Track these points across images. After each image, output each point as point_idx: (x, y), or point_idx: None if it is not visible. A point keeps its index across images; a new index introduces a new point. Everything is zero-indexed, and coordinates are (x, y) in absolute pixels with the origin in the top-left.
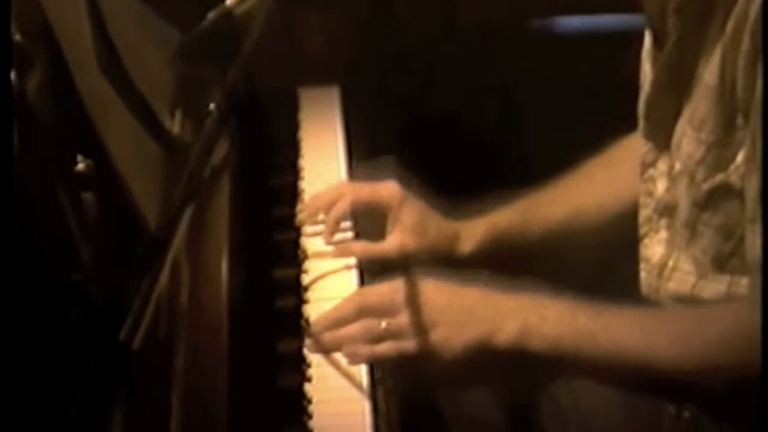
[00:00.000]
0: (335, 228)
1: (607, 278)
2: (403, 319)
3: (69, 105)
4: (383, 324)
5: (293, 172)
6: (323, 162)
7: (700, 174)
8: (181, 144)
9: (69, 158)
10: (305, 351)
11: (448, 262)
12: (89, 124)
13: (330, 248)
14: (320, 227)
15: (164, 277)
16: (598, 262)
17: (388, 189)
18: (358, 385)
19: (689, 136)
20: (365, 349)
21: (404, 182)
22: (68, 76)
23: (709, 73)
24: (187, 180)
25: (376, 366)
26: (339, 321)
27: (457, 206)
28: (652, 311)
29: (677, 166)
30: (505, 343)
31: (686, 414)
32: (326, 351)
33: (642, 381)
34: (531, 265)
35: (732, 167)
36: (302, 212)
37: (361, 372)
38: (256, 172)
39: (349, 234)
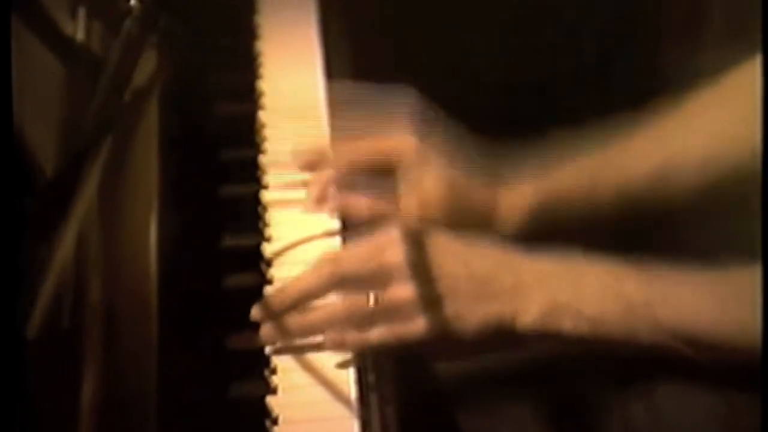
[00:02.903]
0: (324, 193)
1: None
2: (398, 291)
3: None
4: (371, 299)
5: (249, 98)
6: (291, 85)
7: None
8: (87, 56)
9: None
10: (269, 351)
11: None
12: None
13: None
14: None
15: (67, 245)
16: (697, 239)
17: (400, 144)
18: (341, 397)
19: None
20: (352, 337)
21: (423, 124)
22: None
23: None
24: (99, 108)
25: (368, 367)
26: (306, 296)
27: (498, 154)
28: (724, 273)
29: None
30: (532, 325)
31: None
32: (291, 346)
33: (729, 371)
34: (600, 245)
35: None
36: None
37: (348, 377)
38: (197, 97)
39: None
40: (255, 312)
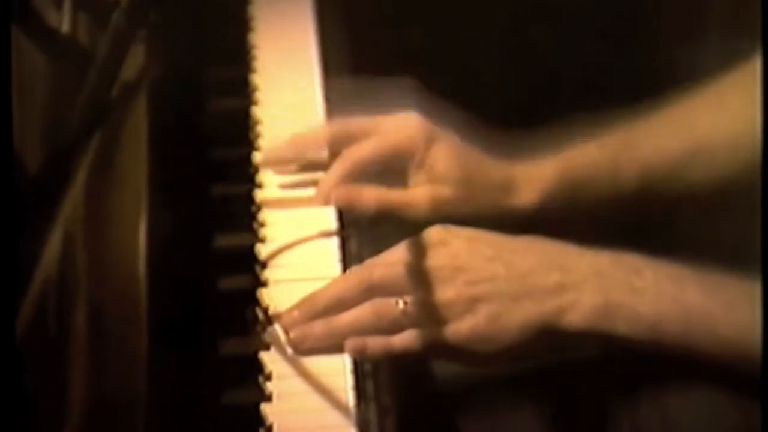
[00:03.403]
0: (333, 187)
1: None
2: (427, 296)
3: None
4: (399, 304)
5: (242, 93)
6: (287, 79)
7: None
8: (73, 49)
9: None
10: (263, 356)
11: (499, 221)
12: None
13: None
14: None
15: (53, 248)
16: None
17: (406, 125)
18: (338, 405)
19: None
20: (378, 342)
21: (430, 110)
22: None
23: None
24: (85, 103)
25: (366, 374)
26: (337, 304)
27: (510, 143)
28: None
29: None
30: (582, 325)
31: None
32: (313, 349)
33: (744, 377)
34: (620, 229)
35: None
36: (266, 154)
37: (346, 384)
38: (188, 92)
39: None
40: (281, 319)
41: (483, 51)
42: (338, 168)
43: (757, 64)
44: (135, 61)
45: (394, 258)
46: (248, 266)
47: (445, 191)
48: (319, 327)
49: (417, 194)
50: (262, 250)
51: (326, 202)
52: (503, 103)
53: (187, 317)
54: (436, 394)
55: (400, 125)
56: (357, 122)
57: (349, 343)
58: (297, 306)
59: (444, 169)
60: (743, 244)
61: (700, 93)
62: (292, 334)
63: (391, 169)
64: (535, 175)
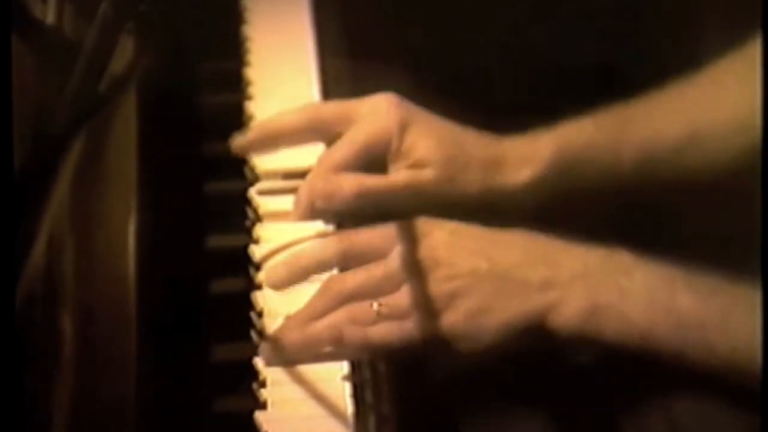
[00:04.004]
0: (310, 206)
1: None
2: (403, 295)
3: None
4: (374, 306)
5: (236, 88)
6: (282, 73)
7: None
8: (59, 41)
9: None
10: (257, 362)
11: (488, 204)
12: None
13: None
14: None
15: (37, 248)
16: (729, 218)
17: (377, 110)
18: (336, 412)
19: None
20: (355, 332)
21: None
22: None
23: None
24: (71, 98)
25: (365, 382)
26: (312, 313)
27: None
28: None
29: None
30: (567, 326)
31: None
32: (294, 359)
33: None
34: (617, 216)
35: None
36: (245, 138)
37: (343, 391)
38: (179, 87)
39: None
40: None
41: (483, 49)
42: (315, 178)
43: (756, 48)
44: (124, 54)
45: (373, 247)
46: (242, 268)
47: (427, 174)
48: (294, 335)
49: (398, 178)
50: (257, 252)
51: (304, 216)
52: (494, 96)
53: (178, 321)
54: (438, 402)
55: (371, 110)
56: (328, 108)
57: (325, 333)
58: (280, 328)
59: (424, 152)
60: (741, 239)
61: (699, 76)
62: (261, 350)
63: (371, 162)
64: (527, 151)
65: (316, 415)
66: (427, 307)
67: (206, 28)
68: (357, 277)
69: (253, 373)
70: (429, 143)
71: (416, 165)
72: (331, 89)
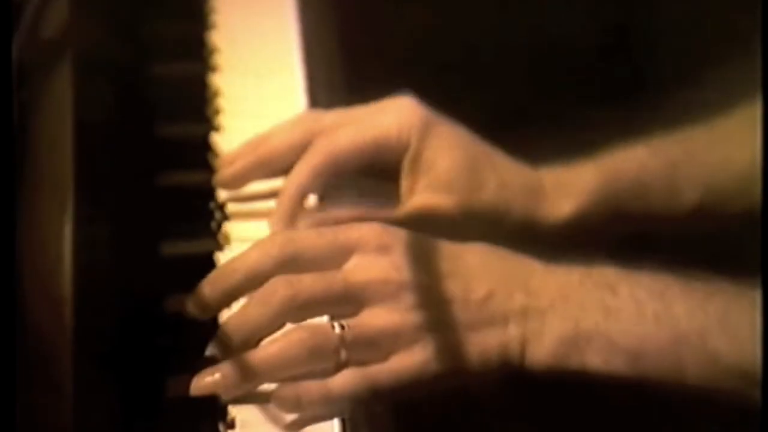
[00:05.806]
0: (296, 205)
1: None
2: (369, 319)
3: None
4: (336, 329)
5: (197, 57)
6: (254, 38)
7: None
8: None
9: None
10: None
11: (521, 238)
12: None
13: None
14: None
15: None
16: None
17: (395, 108)
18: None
19: None
20: (313, 390)
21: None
22: None
23: None
24: None
25: (358, 423)
26: (254, 330)
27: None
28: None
29: None
30: (542, 360)
31: None
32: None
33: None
34: (675, 253)
35: None
36: (226, 164)
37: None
38: (126, 57)
39: None
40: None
41: (482, 46)
42: (304, 168)
43: None
44: (57, 16)
45: (326, 253)
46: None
47: (446, 201)
48: (242, 362)
49: (412, 209)
50: (222, 258)
51: (287, 217)
52: (493, 91)
53: (127, 346)
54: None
55: (388, 109)
56: (331, 118)
57: (280, 393)
58: (219, 334)
59: (446, 168)
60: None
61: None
62: (205, 378)
63: (377, 167)
64: (570, 181)
65: None
66: (394, 341)
67: None
68: (313, 287)
69: (220, 412)
70: (454, 159)
71: (435, 186)
72: (315, 54)
